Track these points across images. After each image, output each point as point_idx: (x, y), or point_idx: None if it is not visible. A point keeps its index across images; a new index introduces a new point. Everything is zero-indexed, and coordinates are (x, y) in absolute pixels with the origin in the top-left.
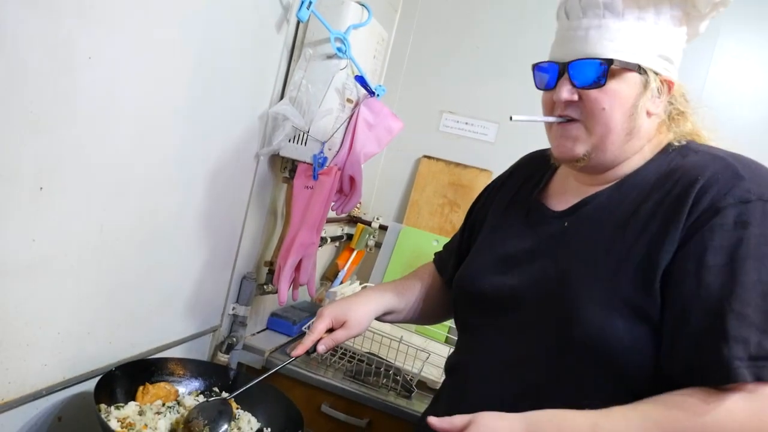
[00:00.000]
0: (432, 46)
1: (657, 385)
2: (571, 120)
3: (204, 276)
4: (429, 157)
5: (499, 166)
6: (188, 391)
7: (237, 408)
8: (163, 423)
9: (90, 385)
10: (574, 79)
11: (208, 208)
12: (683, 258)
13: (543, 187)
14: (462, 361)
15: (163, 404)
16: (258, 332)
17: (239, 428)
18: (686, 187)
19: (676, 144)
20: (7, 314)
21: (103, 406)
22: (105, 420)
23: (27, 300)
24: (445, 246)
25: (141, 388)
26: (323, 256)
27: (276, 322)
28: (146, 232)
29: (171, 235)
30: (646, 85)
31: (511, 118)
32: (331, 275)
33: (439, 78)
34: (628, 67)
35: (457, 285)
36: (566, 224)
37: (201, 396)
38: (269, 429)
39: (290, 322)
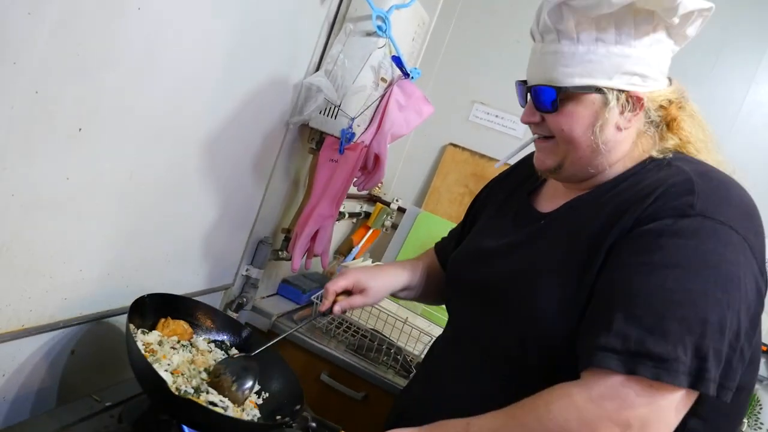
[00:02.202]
0: (471, 36)
1: None
2: (546, 137)
3: (222, 234)
4: (455, 146)
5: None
6: (202, 337)
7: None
8: (177, 358)
9: (104, 324)
10: (535, 102)
11: (233, 168)
12: (612, 256)
13: (536, 189)
14: (441, 339)
15: (178, 341)
16: (268, 296)
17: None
18: (642, 197)
19: (658, 157)
20: (36, 245)
21: (132, 326)
22: (134, 340)
23: (55, 234)
24: (450, 232)
25: (162, 320)
26: (339, 230)
27: (286, 288)
28: (172, 184)
29: (195, 190)
30: (606, 103)
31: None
32: (344, 250)
33: (475, 68)
34: (583, 91)
35: (447, 271)
36: (542, 222)
37: (212, 344)
38: (266, 393)
39: (300, 290)
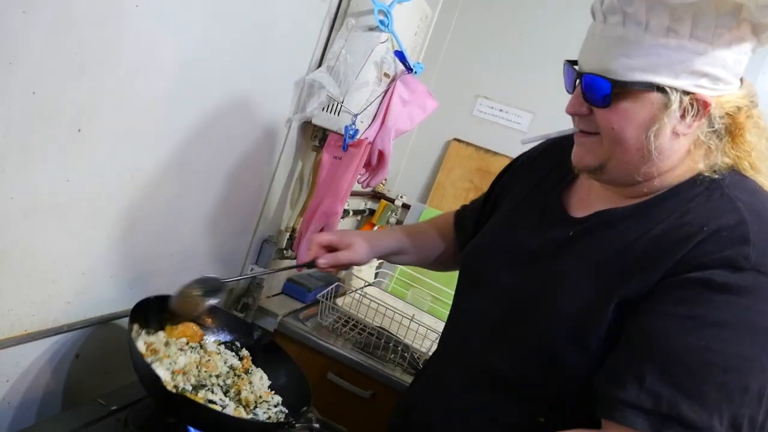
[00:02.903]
0: (474, 29)
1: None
2: (588, 132)
3: (226, 234)
4: (459, 141)
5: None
6: (213, 339)
7: (249, 364)
8: (183, 359)
9: (109, 328)
10: (585, 91)
11: (235, 167)
12: (650, 296)
13: (570, 184)
14: (446, 339)
15: (187, 343)
16: (273, 295)
17: (251, 382)
18: (686, 237)
19: (707, 176)
20: (36, 249)
21: (135, 326)
22: (133, 339)
23: (56, 237)
24: (471, 205)
25: (169, 327)
26: (344, 228)
27: (292, 287)
28: (174, 185)
29: (197, 190)
30: (667, 105)
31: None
32: None
33: (478, 62)
34: (642, 88)
35: (462, 258)
36: (571, 233)
37: (222, 346)
38: (274, 392)
39: (305, 289)
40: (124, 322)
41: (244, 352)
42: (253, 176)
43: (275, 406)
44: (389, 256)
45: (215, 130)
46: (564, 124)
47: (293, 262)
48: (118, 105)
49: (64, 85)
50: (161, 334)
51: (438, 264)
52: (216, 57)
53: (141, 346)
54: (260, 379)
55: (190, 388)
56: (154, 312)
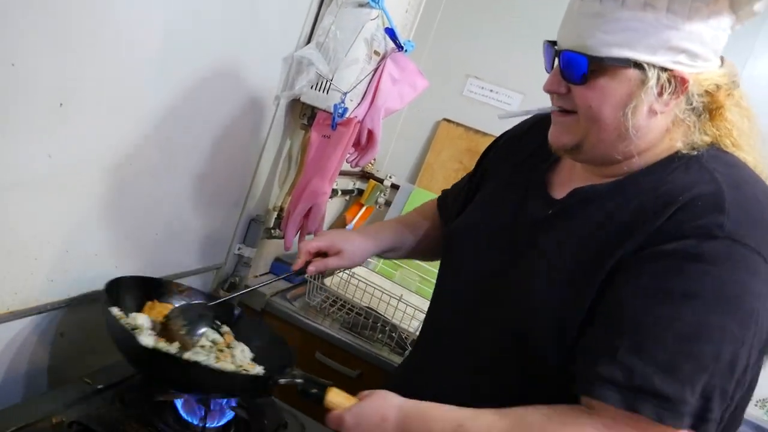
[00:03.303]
0: (466, 8)
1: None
2: (566, 110)
3: (213, 213)
4: (449, 121)
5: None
6: None
7: (231, 339)
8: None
9: (93, 306)
10: (563, 68)
11: (223, 144)
12: (625, 268)
13: (553, 165)
14: (431, 320)
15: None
16: (261, 275)
17: (233, 356)
18: (663, 205)
19: (686, 153)
20: (17, 225)
21: (116, 309)
22: (109, 310)
23: (38, 214)
24: (454, 186)
25: (149, 303)
26: (332, 208)
27: (279, 267)
28: (160, 162)
29: (184, 167)
30: (644, 81)
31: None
32: (338, 227)
33: (469, 41)
34: (619, 64)
35: (445, 239)
36: (551, 212)
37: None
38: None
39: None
40: (95, 305)
41: (225, 329)
42: (241, 154)
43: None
44: (382, 254)
45: (201, 106)
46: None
47: (280, 243)
48: (102, 79)
49: (44, 57)
50: (140, 316)
51: (430, 254)
52: (202, 31)
53: (116, 314)
54: (242, 352)
55: (175, 351)
56: (129, 293)
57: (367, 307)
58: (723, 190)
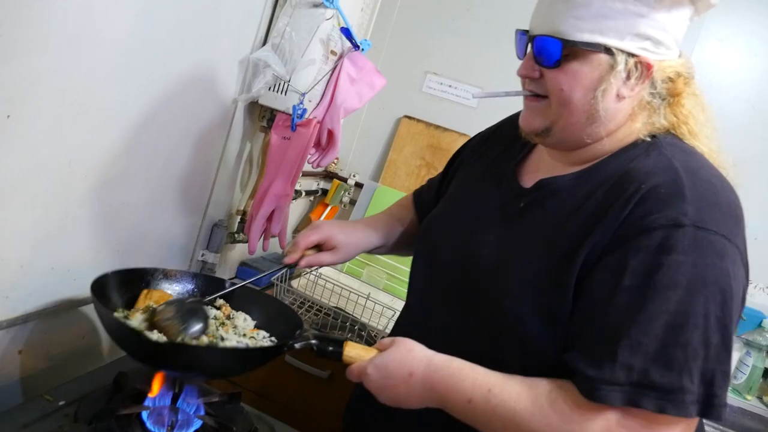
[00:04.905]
0: (422, 4)
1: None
2: (538, 95)
3: (173, 219)
4: (410, 118)
5: (479, 132)
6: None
7: (229, 310)
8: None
9: (52, 321)
10: (536, 55)
11: (180, 150)
12: (602, 269)
13: (523, 158)
14: (408, 303)
15: None
16: (227, 280)
17: (235, 326)
18: (627, 194)
19: (648, 139)
20: None
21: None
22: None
23: None
24: (429, 182)
25: (145, 291)
26: (297, 209)
27: (245, 271)
28: (116, 170)
29: (142, 176)
30: (613, 66)
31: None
32: (303, 229)
33: (426, 38)
34: (591, 48)
35: (419, 231)
36: (522, 205)
37: None
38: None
39: (260, 272)
40: (69, 314)
41: (220, 301)
42: (200, 159)
43: (263, 339)
44: (374, 250)
45: (157, 112)
46: (512, 98)
47: (245, 247)
48: (51, 89)
49: None
50: (133, 318)
51: (408, 247)
52: (156, 37)
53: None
54: (244, 321)
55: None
56: (116, 289)
57: (336, 308)
58: (681, 177)
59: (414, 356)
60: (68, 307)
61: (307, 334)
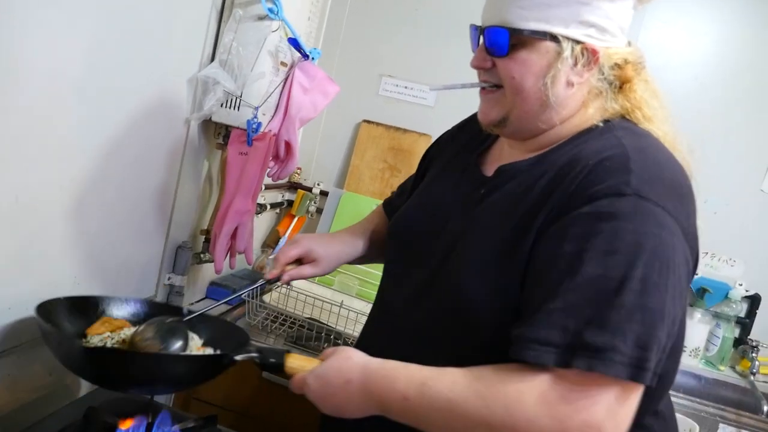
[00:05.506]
0: (371, 8)
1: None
2: (494, 86)
3: (135, 245)
4: (369, 122)
5: (438, 130)
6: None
7: None
8: (110, 342)
9: (17, 361)
10: (487, 45)
11: (135, 175)
12: (547, 238)
13: (485, 149)
14: (377, 298)
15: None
16: (197, 301)
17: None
18: (576, 171)
19: (601, 124)
20: None
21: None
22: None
23: None
24: (400, 187)
25: (103, 318)
26: (264, 223)
27: (215, 290)
28: (68, 202)
29: (96, 204)
30: (560, 53)
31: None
32: (272, 242)
33: (378, 41)
34: (537, 36)
35: (389, 227)
36: (483, 192)
37: None
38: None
39: (230, 290)
40: (32, 352)
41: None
42: (157, 182)
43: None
44: (355, 261)
45: (108, 138)
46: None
47: (211, 267)
48: None
49: None
50: (96, 337)
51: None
52: (96, 60)
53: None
54: (191, 339)
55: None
56: (69, 318)
57: (310, 318)
58: (628, 152)
59: (351, 363)
60: (31, 345)
61: (249, 348)
